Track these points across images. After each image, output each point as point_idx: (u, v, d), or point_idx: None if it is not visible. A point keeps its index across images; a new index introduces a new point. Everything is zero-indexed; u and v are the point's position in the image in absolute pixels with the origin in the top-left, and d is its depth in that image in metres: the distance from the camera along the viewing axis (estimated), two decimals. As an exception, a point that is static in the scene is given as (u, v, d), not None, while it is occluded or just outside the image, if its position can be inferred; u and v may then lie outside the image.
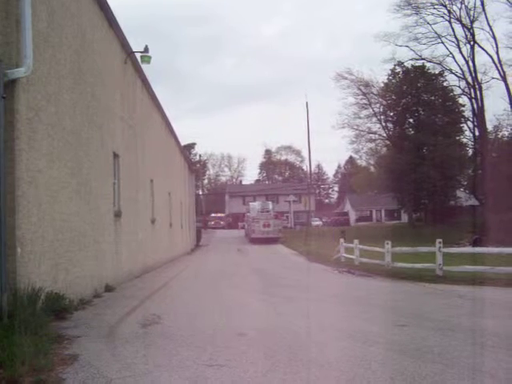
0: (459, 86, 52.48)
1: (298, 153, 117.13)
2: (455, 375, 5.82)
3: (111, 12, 14.71)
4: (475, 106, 50.13)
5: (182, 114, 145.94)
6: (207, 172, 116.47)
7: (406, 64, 53.55)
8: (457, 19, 49.32)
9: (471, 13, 48.13)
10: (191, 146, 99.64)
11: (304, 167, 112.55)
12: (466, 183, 55.82)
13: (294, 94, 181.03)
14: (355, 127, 58.36)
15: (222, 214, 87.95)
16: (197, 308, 11.14)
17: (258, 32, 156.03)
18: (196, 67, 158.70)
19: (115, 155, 15.39)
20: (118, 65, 16.38)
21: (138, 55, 18.15)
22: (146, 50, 18.04)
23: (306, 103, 56.90)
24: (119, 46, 16.54)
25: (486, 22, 47.88)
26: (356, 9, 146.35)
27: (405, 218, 62.94)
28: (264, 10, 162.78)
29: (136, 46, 17.71)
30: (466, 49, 49.97)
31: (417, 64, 53.27)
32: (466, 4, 48.41)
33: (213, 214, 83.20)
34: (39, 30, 9.22)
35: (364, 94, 57.29)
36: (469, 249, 23.98)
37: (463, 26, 49.21)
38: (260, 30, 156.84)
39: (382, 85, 55.99)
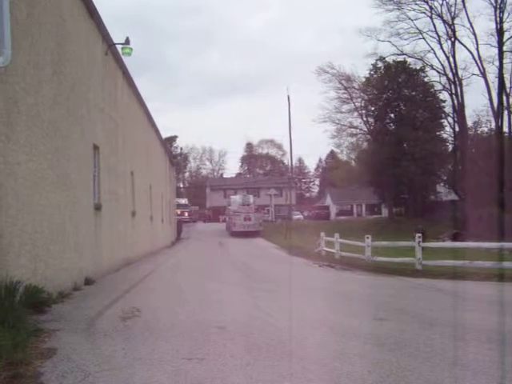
0: (440, 82, 52.93)
1: (279, 146, 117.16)
2: (432, 368, 5.87)
3: (92, 3, 14.58)
4: (455, 101, 50.52)
5: (163, 106, 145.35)
6: (188, 165, 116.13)
7: (387, 59, 53.83)
8: (438, 15, 49.63)
9: (452, 9, 48.48)
10: (172, 138, 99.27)
11: (285, 161, 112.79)
12: (445, 178, 56.33)
13: (277, 88, 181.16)
14: (336, 121, 58.50)
15: (196, 207, 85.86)
16: (177, 301, 11.11)
17: (245, 24, 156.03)
18: (181, 59, 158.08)
19: (95, 147, 15.28)
20: (98, 56, 16.23)
21: (119, 47, 18.02)
22: (127, 42, 17.93)
23: (288, 97, 56.85)
24: (100, 38, 16.39)
25: (466, 19, 48.56)
26: (345, 2, 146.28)
27: (385, 212, 63.30)
28: (252, 3, 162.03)
29: (120, 33, 17.55)
30: (446, 45, 50.35)
31: (398, 59, 53.58)
32: (447, 0, 48.76)
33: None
34: (18, 19, 9.09)
35: (345, 89, 57.36)
36: (448, 243, 24.26)
37: (444, 22, 49.54)
38: (247, 23, 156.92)
39: (364, 79, 56.21)
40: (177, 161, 69.09)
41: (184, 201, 71.00)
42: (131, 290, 13.14)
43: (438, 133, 53.82)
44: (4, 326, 6.77)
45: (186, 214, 66.32)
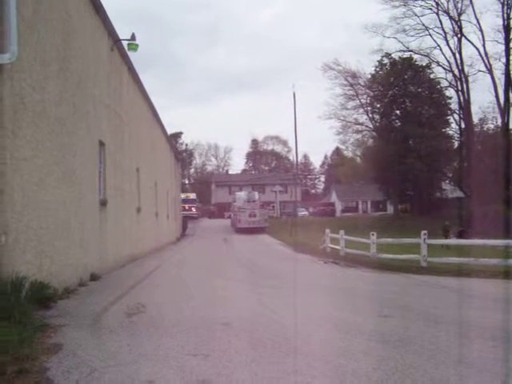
0: (446, 79, 52.87)
1: (284, 143, 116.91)
2: (437, 365, 5.87)
3: (98, -1, 14.59)
4: (461, 98, 50.42)
5: (169, 102, 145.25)
6: (194, 161, 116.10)
7: (393, 55, 53.81)
8: (444, 11, 49.53)
9: (459, 5, 48.44)
10: (178, 135, 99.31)
11: (291, 157, 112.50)
12: (451, 175, 56.22)
13: (283, 85, 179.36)
14: (342, 118, 58.50)
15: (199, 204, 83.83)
16: (182, 297, 11.13)
17: (251, 20, 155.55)
18: (188, 55, 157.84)
19: (101, 143, 15.29)
20: (104, 52, 16.24)
21: (125, 43, 18.01)
22: (133, 37, 17.89)
23: (293, 93, 56.67)
24: (106, 34, 16.39)
25: (473, 15, 48.32)
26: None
27: (390, 209, 63.28)
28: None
29: (125, 27, 17.55)
30: (453, 41, 50.28)
31: (404, 56, 53.50)
32: (454, -4, 48.55)
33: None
34: (24, 15, 9.10)
35: (351, 85, 57.38)
36: (453, 241, 24.20)
37: (451, 18, 49.42)
38: (254, 18, 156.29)
39: (369, 76, 56.14)
40: (182, 157, 68.71)
41: (192, 195, 69.74)
42: (136, 285, 13.17)
43: (443, 130, 53.77)
44: (10, 322, 6.80)
45: (194, 210, 64.80)
